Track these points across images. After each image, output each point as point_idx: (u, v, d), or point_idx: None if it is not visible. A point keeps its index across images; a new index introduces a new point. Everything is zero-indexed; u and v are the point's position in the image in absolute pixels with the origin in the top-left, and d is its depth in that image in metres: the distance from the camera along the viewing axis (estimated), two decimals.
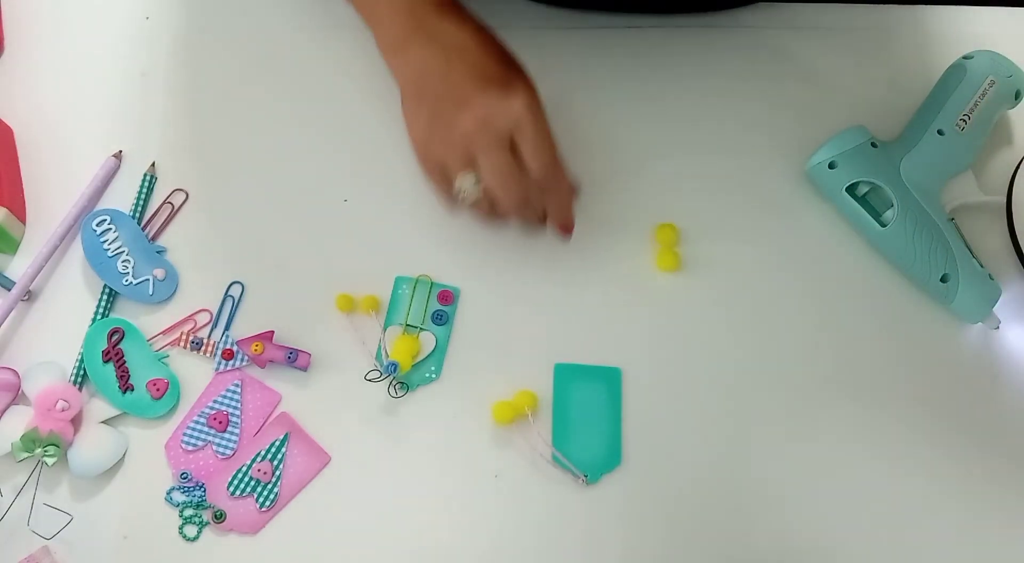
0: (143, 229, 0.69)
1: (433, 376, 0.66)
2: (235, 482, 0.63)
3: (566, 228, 0.65)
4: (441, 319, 0.67)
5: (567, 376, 0.66)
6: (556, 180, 0.62)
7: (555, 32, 0.74)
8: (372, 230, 0.69)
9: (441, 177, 0.62)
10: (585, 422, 0.65)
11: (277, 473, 0.64)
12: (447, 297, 0.67)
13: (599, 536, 0.63)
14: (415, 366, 0.66)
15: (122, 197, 0.70)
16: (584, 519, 0.63)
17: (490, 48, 0.61)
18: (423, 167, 0.63)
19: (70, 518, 0.62)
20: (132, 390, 0.65)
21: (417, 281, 0.68)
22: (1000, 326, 0.66)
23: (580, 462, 0.64)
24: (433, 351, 0.66)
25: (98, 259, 0.67)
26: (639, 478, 0.64)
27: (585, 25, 0.74)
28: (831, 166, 0.67)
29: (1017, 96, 0.69)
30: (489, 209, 0.63)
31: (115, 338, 0.66)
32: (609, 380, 0.65)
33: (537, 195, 0.62)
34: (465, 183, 0.60)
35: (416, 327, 0.67)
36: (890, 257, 0.67)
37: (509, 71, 0.60)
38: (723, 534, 0.63)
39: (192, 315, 0.67)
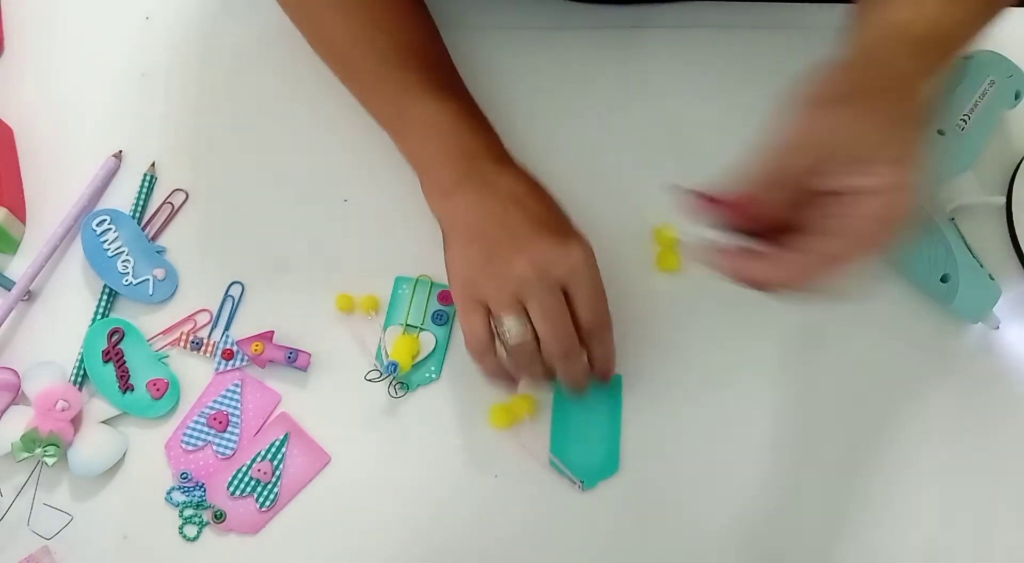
0: (143, 229, 0.69)
1: (433, 376, 0.66)
2: (235, 482, 0.63)
3: (606, 376, 0.63)
4: (441, 319, 0.67)
5: None
6: (603, 331, 0.61)
7: (557, 32, 0.74)
8: (372, 230, 0.69)
9: (480, 316, 0.60)
10: (584, 428, 0.64)
11: (277, 473, 0.64)
12: (447, 297, 0.67)
13: (594, 542, 0.63)
14: (415, 366, 0.66)
15: (122, 197, 0.70)
16: (580, 525, 0.63)
17: (546, 200, 0.62)
18: (462, 304, 0.60)
19: (70, 518, 0.62)
20: (132, 390, 0.65)
21: (417, 281, 0.68)
22: (1000, 326, 0.66)
23: (577, 468, 0.63)
24: (433, 351, 0.66)
25: (98, 259, 0.67)
26: (636, 485, 0.64)
27: (588, 25, 0.74)
28: None
29: (1017, 96, 0.69)
30: (527, 358, 0.60)
31: (115, 338, 0.66)
32: (609, 386, 0.65)
33: (578, 347, 0.61)
34: (514, 323, 0.58)
35: (416, 327, 0.67)
36: (890, 257, 0.67)
37: (565, 222, 0.61)
38: (719, 543, 0.63)
39: (192, 315, 0.67)
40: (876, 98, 0.49)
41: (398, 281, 0.68)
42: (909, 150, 0.48)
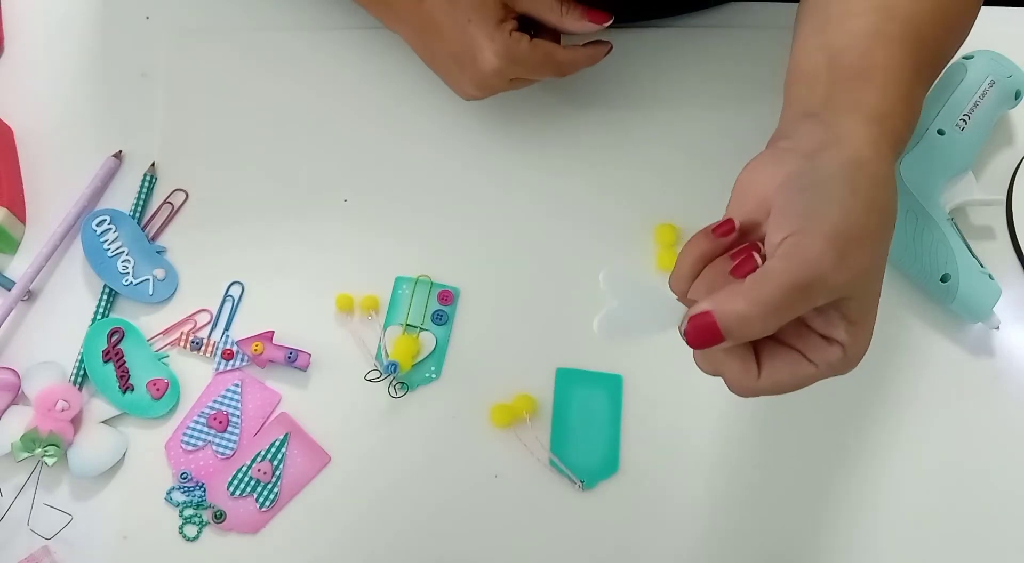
0: (143, 229, 0.69)
1: (433, 376, 0.66)
2: (235, 482, 0.63)
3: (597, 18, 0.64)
4: (441, 319, 0.67)
5: (568, 381, 0.65)
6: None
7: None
8: (372, 230, 0.69)
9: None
10: (584, 428, 0.64)
11: (277, 473, 0.64)
12: (447, 297, 0.67)
13: (594, 542, 0.63)
14: (415, 366, 0.66)
15: (122, 197, 0.70)
16: (579, 525, 0.63)
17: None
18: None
19: (70, 518, 0.62)
20: (132, 390, 0.65)
21: (417, 281, 0.68)
22: (1000, 326, 0.66)
23: (577, 468, 0.63)
24: (433, 351, 0.66)
25: (98, 259, 0.67)
26: (636, 486, 0.64)
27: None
28: None
29: (1017, 96, 0.69)
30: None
31: (115, 338, 0.66)
32: (610, 386, 0.65)
33: None
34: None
35: (416, 327, 0.67)
36: (890, 257, 0.67)
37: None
38: (719, 543, 0.63)
39: (192, 315, 0.67)
40: (880, 239, 0.44)
41: (398, 281, 0.68)
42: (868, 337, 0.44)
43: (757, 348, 0.45)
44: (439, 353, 0.66)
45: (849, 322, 0.43)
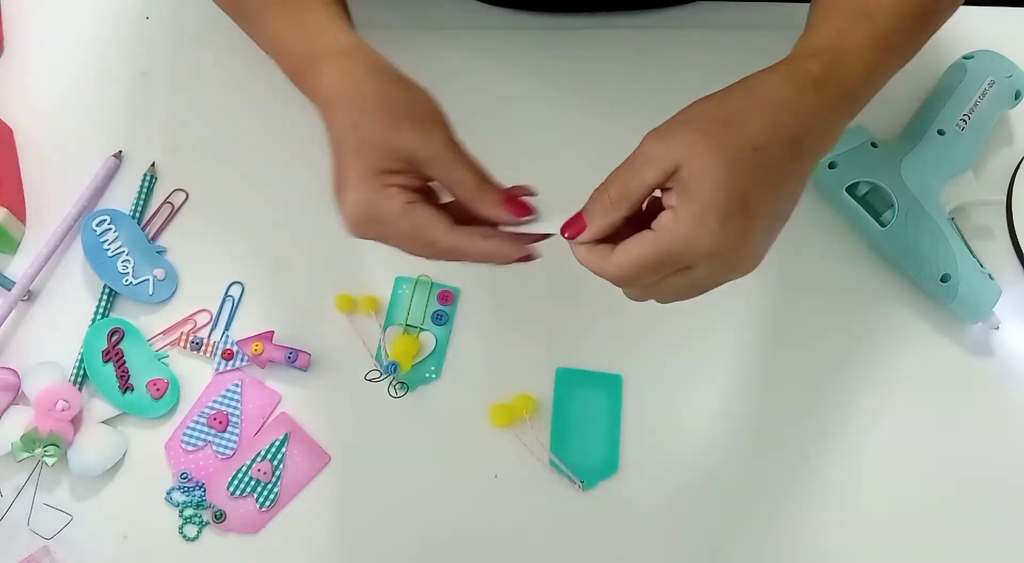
0: (143, 229, 0.69)
1: (433, 376, 0.66)
2: (235, 482, 0.63)
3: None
4: (441, 319, 0.67)
5: (568, 381, 0.65)
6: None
7: (554, 32, 0.74)
8: None
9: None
10: (584, 428, 0.64)
11: (277, 473, 0.64)
12: (447, 297, 0.67)
13: (593, 542, 0.63)
14: (415, 366, 0.66)
15: (122, 197, 0.70)
16: (579, 525, 0.63)
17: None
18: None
19: (70, 518, 0.62)
20: (132, 390, 0.65)
21: (417, 281, 0.68)
22: (1000, 326, 0.66)
23: (577, 468, 0.63)
24: (433, 351, 0.66)
25: (98, 259, 0.67)
26: (635, 486, 0.64)
27: (580, 26, 0.74)
28: (831, 166, 0.67)
29: (1017, 96, 0.69)
30: None
31: (115, 338, 0.66)
32: (610, 387, 0.65)
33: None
34: None
35: (416, 327, 0.67)
36: (890, 257, 0.67)
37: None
38: (718, 546, 0.63)
39: (192, 315, 0.67)
40: (741, 127, 0.46)
41: (398, 281, 0.68)
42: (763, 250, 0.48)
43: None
44: (439, 353, 0.66)
45: (680, 189, 0.45)
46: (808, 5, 0.55)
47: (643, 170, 0.47)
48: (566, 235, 0.49)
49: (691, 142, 0.46)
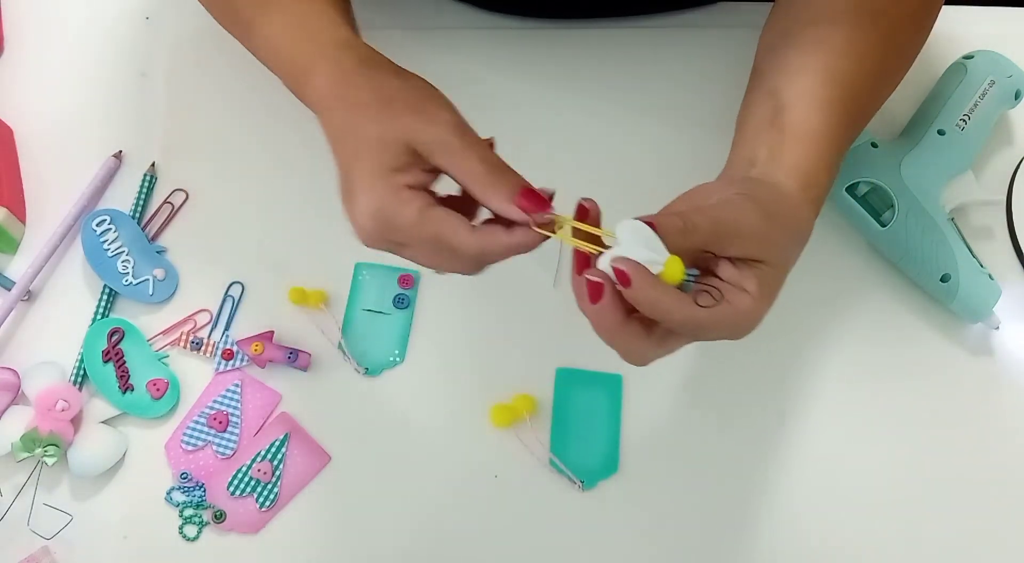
0: (143, 229, 0.69)
1: (397, 360, 0.66)
2: (235, 482, 0.63)
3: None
4: (403, 302, 0.67)
5: (568, 381, 0.65)
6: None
7: (553, 33, 0.74)
8: None
9: None
10: (584, 428, 0.64)
11: (277, 473, 0.64)
12: (408, 281, 0.67)
13: (593, 542, 0.63)
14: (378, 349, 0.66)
15: (122, 197, 0.70)
16: (579, 525, 0.63)
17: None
18: None
19: (70, 518, 0.62)
20: (132, 390, 0.65)
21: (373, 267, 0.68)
22: (1000, 326, 0.66)
23: (577, 468, 0.63)
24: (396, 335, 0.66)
25: (98, 259, 0.67)
26: (636, 486, 0.64)
27: (571, 27, 0.74)
28: None
29: (1017, 96, 0.69)
30: None
31: (115, 338, 0.66)
32: (610, 387, 0.65)
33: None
34: None
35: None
36: (890, 257, 0.67)
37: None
38: (719, 543, 0.63)
39: (192, 315, 0.67)
40: (794, 244, 0.49)
41: (358, 267, 0.68)
42: (776, 289, 0.48)
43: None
44: (402, 337, 0.66)
45: (760, 283, 0.46)
46: None
47: (737, 243, 0.46)
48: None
49: (784, 248, 0.48)
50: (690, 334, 0.46)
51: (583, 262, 0.46)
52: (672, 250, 0.44)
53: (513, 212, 0.46)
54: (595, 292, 0.44)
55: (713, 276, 0.47)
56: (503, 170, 0.47)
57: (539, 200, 0.46)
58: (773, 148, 0.52)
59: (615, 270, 0.43)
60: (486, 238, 0.46)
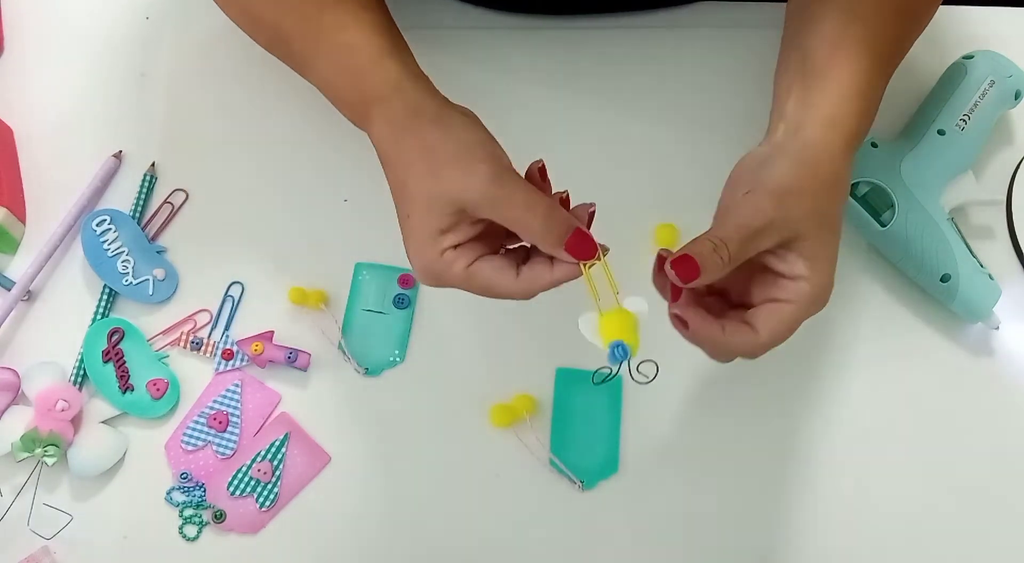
0: (143, 229, 0.69)
1: (398, 360, 0.66)
2: (235, 482, 0.63)
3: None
4: (403, 303, 0.67)
5: (568, 381, 0.65)
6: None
7: (549, 32, 0.74)
8: (372, 230, 0.69)
9: None
10: (584, 428, 0.64)
11: (277, 473, 0.64)
12: (408, 281, 0.68)
13: (594, 542, 0.63)
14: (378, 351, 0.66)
15: (122, 197, 0.70)
16: (579, 525, 0.63)
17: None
18: None
19: (70, 518, 0.62)
20: (132, 390, 0.65)
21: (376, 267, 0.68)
22: (1000, 326, 0.66)
23: (577, 468, 0.63)
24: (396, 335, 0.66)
25: (98, 259, 0.67)
26: (636, 486, 0.64)
27: (572, 26, 0.74)
28: None
29: (1017, 96, 0.69)
30: None
31: (115, 338, 0.66)
32: (610, 386, 0.65)
33: None
34: None
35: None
36: (890, 257, 0.67)
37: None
38: (718, 543, 0.63)
39: (192, 315, 0.67)
40: (825, 198, 0.52)
41: (358, 267, 0.68)
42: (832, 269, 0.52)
43: (746, 318, 0.52)
44: (402, 337, 0.66)
45: (806, 258, 0.50)
46: None
47: (762, 238, 0.50)
48: (677, 273, 0.49)
49: (810, 215, 0.50)
50: (782, 339, 0.52)
51: (676, 292, 0.52)
52: (719, 266, 0.49)
53: (564, 257, 0.50)
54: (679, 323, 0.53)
55: (770, 273, 0.51)
56: (546, 215, 0.49)
57: (588, 246, 0.49)
58: (799, 96, 0.54)
59: (672, 317, 0.53)
60: (531, 283, 0.51)
